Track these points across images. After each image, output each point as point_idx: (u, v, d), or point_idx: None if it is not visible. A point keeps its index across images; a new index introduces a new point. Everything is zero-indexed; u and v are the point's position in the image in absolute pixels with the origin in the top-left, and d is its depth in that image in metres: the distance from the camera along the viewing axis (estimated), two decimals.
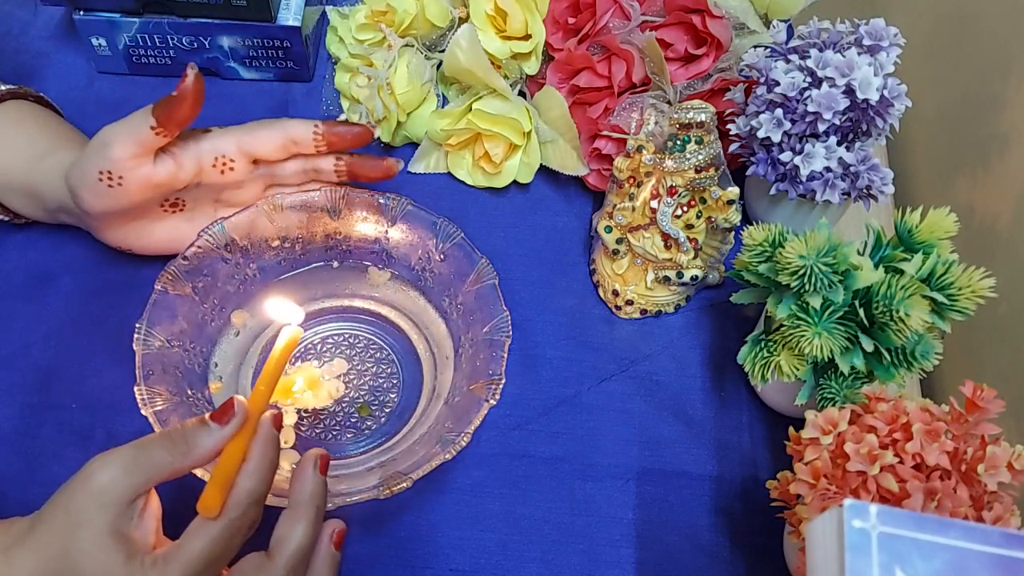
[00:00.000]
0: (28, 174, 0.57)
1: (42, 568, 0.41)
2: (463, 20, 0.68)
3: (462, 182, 0.69)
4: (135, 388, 0.51)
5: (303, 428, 0.57)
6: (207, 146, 0.56)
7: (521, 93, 0.70)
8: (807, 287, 0.50)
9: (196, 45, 0.69)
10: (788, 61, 0.57)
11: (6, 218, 0.61)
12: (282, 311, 0.49)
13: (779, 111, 0.57)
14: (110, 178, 0.53)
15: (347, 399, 0.59)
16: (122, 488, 0.42)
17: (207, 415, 0.44)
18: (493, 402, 0.52)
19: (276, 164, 0.59)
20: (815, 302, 0.51)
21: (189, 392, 0.54)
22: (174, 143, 0.55)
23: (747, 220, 0.67)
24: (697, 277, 0.62)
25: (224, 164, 0.57)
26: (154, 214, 0.58)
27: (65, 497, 0.42)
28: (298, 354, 0.60)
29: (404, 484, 0.49)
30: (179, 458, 0.43)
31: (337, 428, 0.58)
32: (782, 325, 0.52)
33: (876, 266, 0.52)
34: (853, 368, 0.52)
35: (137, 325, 0.53)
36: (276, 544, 0.46)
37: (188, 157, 0.55)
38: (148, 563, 0.42)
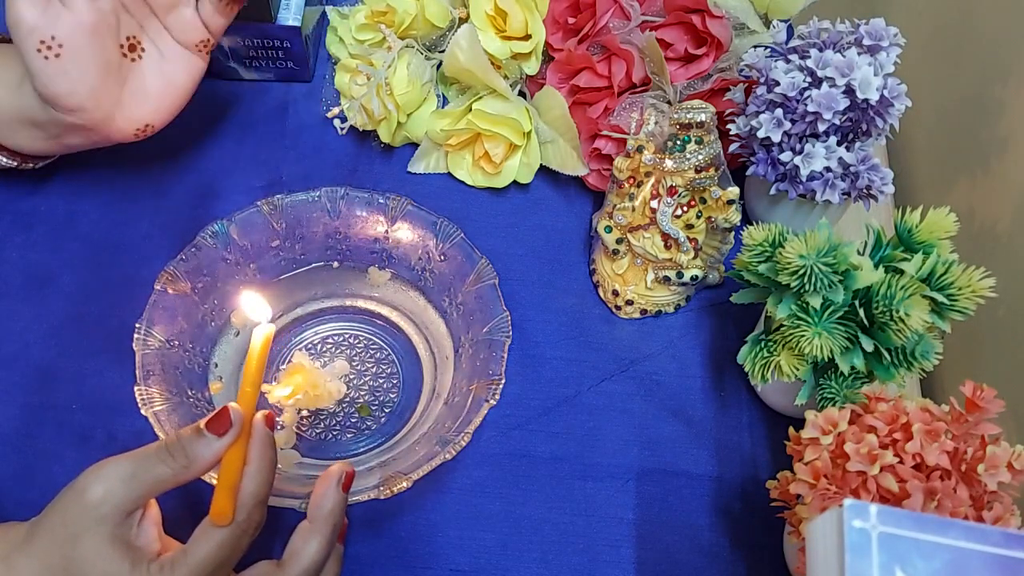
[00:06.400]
0: (16, 101, 0.56)
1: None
2: (463, 20, 0.68)
3: (462, 182, 0.69)
4: (135, 388, 0.51)
5: (303, 428, 0.57)
6: None
7: (521, 93, 0.70)
8: (807, 287, 0.50)
9: None
10: (788, 61, 0.57)
11: (14, 163, 0.60)
12: (252, 307, 0.48)
13: (779, 111, 0.57)
14: (48, 47, 0.52)
15: (347, 399, 0.59)
16: (119, 501, 0.41)
17: (202, 424, 0.44)
18: (493, 402, 0.52)
19: None
20: (815, 302, 0.51)
21: (189, 392, 0.54)
22: None
23: (747, 220, 0.67)
24: (697, 277, 0.62)
25: None
26: (130, 69, 0.57)
27: (60, 509, 0.42)
28: (298, 354, 0.60)
29: (404, 484, 0.49)
30: (179, 471, 0.43)
31: (337, 428, 0.58)
32: (782, 325, 0.52)
33: (876, 266, 0.52)
34: (853, 368, 0.52)
35: (137, 325, 0.53)
36: (289, 556, 0.46)
37: None
38: (155, 570, 0.42)
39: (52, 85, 0.53)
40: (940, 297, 0.50)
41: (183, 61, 0.58)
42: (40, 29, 0.51)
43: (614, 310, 0.65)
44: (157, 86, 0.58)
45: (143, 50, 0.57)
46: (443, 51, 0.67)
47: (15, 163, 0.60)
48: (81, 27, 0.53)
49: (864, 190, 0.59)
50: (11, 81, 0.56)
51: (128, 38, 0.56)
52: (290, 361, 0.59)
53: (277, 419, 0.57)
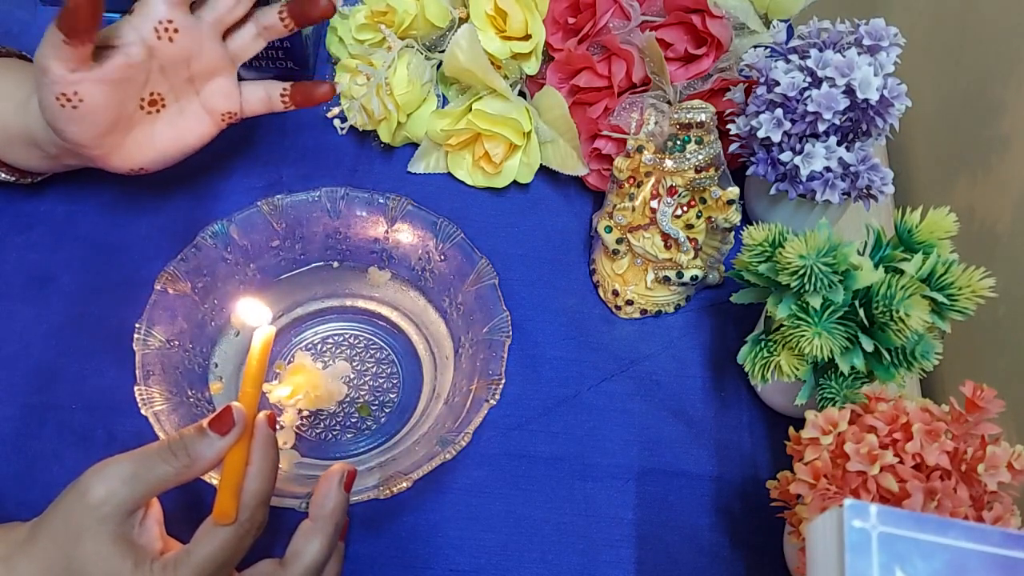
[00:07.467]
0: (21, 119, 0.56)
1: None
2: (463, 20, 0.68)
3: (462, 182, 0.69)
4: (135, 388, 0.51)
5: (303, 428, 0.57)
6: (140, 19, 0.53)
7: (521, 93, 0.70)
8: (807, 287, 0.50)
9: None
10: (788, 61, 0.57)
11: (12, 178, 0.60)
12: (251, 312, 0.49)
13: (779, 111, 0.57)
14: (68, 99, 0.51)
15: (347, 399, 0.59)
16: (121, 501, 0.41)
17: (205, 423, 0.44)
18: (493, 402, 0.52)
19: (222, 18, 0.56)
20: (815, 302, 0.51)
21: (189, 392, 0.54)
22: (111, 35, 0.53)
23: (747, 220, 0.67)
24: (697, 277, 0.62)
25: (166, 30, 0.53)
26: (143, 119, 0.57)
27: (62, 509, 0.42)
28: (300, 353, 0.60)
29: (404, 484, 0.49)
30: (181, 470, 0.43)
31: (337, 428, 0.58)
32: (782, 325, 0.52)
33: (876, 266, 0.52)
34: (853, 368, 0.52)
35: (137, 325, 0.53)
36: (292, 556, 0.46)
37: (129, 39, 0.53)
38: (157, 569, 0.42)
39: (59, 124, 0.53)
40: (940, 297, 0.50)
41: (199, 123, 0.58)
42: (64, 83, 0.51)
43: (614, 310, 0.65)
44: (164, 140, 0.58)
45: (163, 106, 0.57)
46: (443, 51, 0.67)
47: (13, 178, 0.61)
48: (105, 84, 0.52)
49: (864, 190, 0.59)
50: (19, 98, 0.56)
51: (152, 94, 0.56)
52: (291, 361, 0.59)
53: (277, 419, 0.57)
